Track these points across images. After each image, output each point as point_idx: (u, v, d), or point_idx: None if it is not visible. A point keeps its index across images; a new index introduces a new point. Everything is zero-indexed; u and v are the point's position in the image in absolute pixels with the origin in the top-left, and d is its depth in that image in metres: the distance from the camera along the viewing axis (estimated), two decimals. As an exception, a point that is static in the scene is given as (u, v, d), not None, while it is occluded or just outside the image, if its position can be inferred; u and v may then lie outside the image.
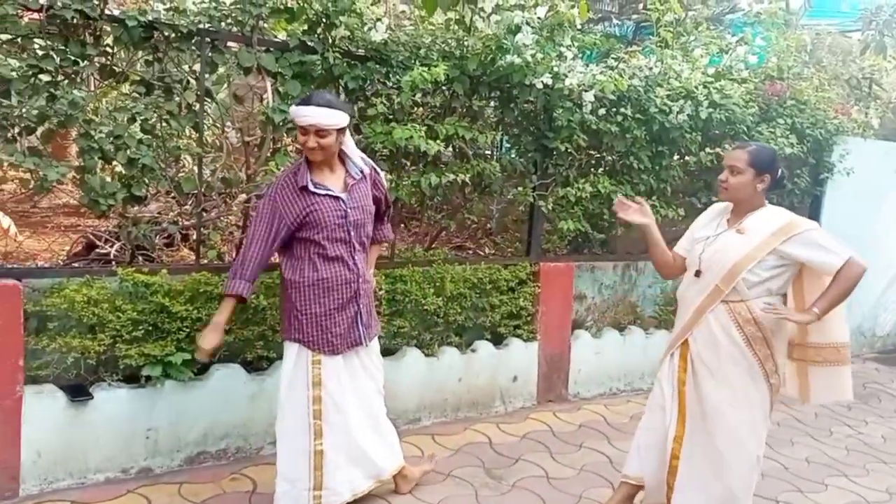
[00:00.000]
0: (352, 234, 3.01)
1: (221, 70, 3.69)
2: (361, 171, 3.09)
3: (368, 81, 3.87)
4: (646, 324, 5.64)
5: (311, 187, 2.93)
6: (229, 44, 3.63)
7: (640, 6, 7.87)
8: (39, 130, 3.28)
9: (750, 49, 5.48)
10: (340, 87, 3.88)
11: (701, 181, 5.52)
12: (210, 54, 3.57)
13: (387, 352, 4.21)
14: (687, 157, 5.22)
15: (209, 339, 2.91)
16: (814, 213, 6.34)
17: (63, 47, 3.15)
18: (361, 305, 3.08)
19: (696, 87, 4.95)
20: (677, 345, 3.12)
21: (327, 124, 2.86)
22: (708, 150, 5.14)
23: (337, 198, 2.97)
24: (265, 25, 3.71)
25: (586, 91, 4.28)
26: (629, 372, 5.41)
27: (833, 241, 2.89)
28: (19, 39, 3.14)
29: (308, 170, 2.97)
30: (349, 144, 3.08)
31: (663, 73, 4.91)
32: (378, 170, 3.23)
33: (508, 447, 4.19)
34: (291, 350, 3.04)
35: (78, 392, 3.32)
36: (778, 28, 5.96)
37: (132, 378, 3.46)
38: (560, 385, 4.99)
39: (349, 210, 2.99)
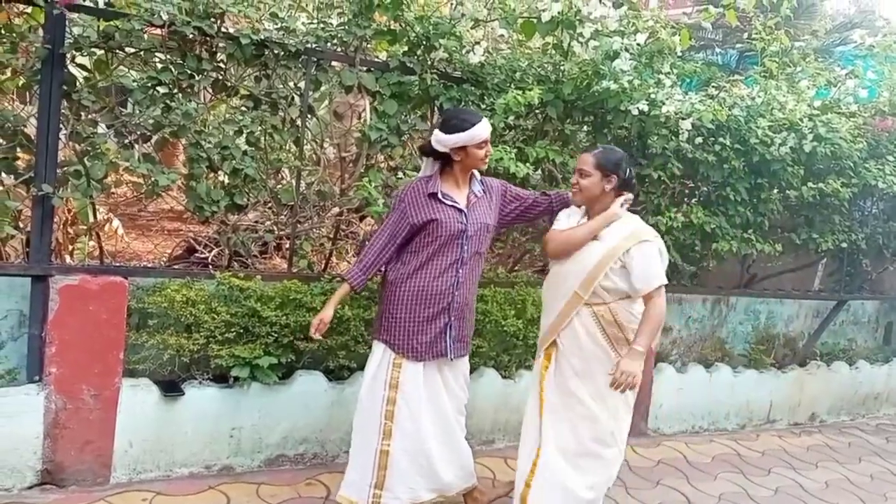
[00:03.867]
0: (465, 247, 3.09)
1: (324, 88, 3.82)
2: (483, 189, 3.21)
3: (463, 103, 3.93)
4: (734, 361, 5.45)
5: (440, 196, 3.06)
6: (333, 63, 3.77)
7: (745, 35, 7.66)
8: (154, 139, 3.49)
9: (860, 82, 5.24)
10: (436, 108, 3.96)
11: (802, 216, 5.30)
12: (315, 72, 3.71)
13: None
14: (788, 191, 5.02)
15: (323, 314, 3.09)
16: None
17: (181, 61, 3.35)
18: (453, 318, 3.12)
19: (801, 120, 4.77)
20: (544, 346, 3.19)
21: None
22: (811, 184, 4.93)
23: (460, 210, 3.08)
24: (368, 46, 3.83)
25: (683, 119, 4.20)
26: (714, 410, 5.22)
27: (662, 264, 3.04)
28: (142, 53, 3.36)
29: (439, 181, 3.11)
30: None
31: (766, 104, 4.76)
32: (506, 183, 3.39)
33: (583, 477, 4.11)
34: (378, 350, 3.15)
35: (171, 388, 3.49)
36: (892, 62, 5.68)
37: (221, 378, 3.61)
38: (639, 418, 4.86)
39: (469, 224, 3.08)
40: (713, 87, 4.77)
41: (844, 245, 5.46)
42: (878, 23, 9.07)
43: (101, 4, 3.24)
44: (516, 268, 4.88)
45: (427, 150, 3.14)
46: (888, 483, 4.72)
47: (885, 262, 6.18)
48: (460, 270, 3.09)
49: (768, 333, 5.77)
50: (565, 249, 3.09)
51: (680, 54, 4.32)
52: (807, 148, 4.72)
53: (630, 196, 3.15)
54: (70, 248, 4.22)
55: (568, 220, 3.17)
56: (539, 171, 4.38)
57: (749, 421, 5.44)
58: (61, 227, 4.13)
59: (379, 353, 3.13)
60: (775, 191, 5.03)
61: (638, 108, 4.02)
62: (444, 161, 3.12)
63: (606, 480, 3.18)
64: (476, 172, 3.21)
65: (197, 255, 4.70)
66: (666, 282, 3.01)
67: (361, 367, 3.90)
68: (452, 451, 3.27)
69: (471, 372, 4.20)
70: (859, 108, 5.37)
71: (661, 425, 4.99)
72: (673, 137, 4.39)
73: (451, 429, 3.27)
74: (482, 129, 3.03)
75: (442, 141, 3.02)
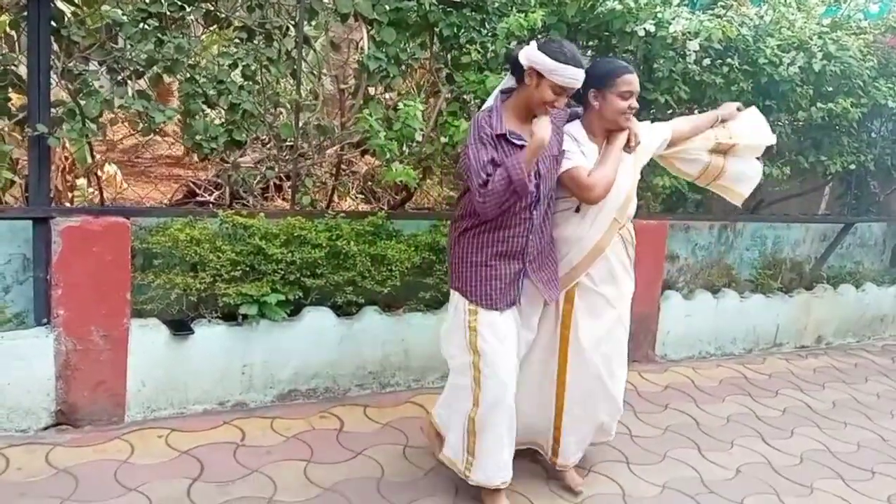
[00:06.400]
0: (540, 186, 2.75)
1: (320, 17, 3.70)
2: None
3: (463, 29, 3.81)
4: (741, 287, 5.44)
5: (508, 136, 2.70)
6: (328, -10, 3.64)
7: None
8: (146, 75, 3.40)
9: (871, -3, 5.09)
10: (435, 35, 3.84)
11: (810, 139, 5.22)
12: (309, 1, 3.59)
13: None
14: (796, 113, 4.92)
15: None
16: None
17: (170, -8, 3.24)
18: (528, 263, 2.84)
19: (810, 38, 4.64)
20: (567, 287, 3.01)
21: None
22: (820, 105, 4.83)
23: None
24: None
25: (691, 39, 4.08)
26: (721, 336, 5.25)
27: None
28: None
29: (503, 116, 2.74)
30: None
31: (775, 23, 4.62)
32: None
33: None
34: (454, 300, 2.92)
35: (180, 327, 3.49)
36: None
37: (230, 316, 3.60)
38: (647, 346, 4.89)
39: (540, 162, 2.72)
40: (721, 6, 4.62)
41: (853, 167, 5.39)
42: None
43: (83, -66, 3.11)
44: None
45: (511, 60, 2.74)
46: (894, 401, 4.77)
47: (893, 183, 6.12)
48: (535, 210, 2.77)
49: (775, 258, 5.75)
50: (609, 189, 2.82)
51: (686, -29, 4.18)
52: (816, 67, 4.61)
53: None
54: (70, 195, 4.18)
55: (583, 154, 2.86)
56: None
57: (756, 345, 5.46)
58: (60, 173, 4.09)
59: (455, 301, 2.91)
60: (784, 113, 4.93)
61: (644, 28, 3.91)
62: (518, 86, 2.76)
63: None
64: None
65: (197, 199, 4.66)
66: None
67: (369, 303, 3.93)
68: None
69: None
70: (869, 25, 5.23)
71: (669, 352, 5.02)
72: (680, 59, 4.27)
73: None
74: (577, 75, 2.63)
75: (534, 56, 2.61)
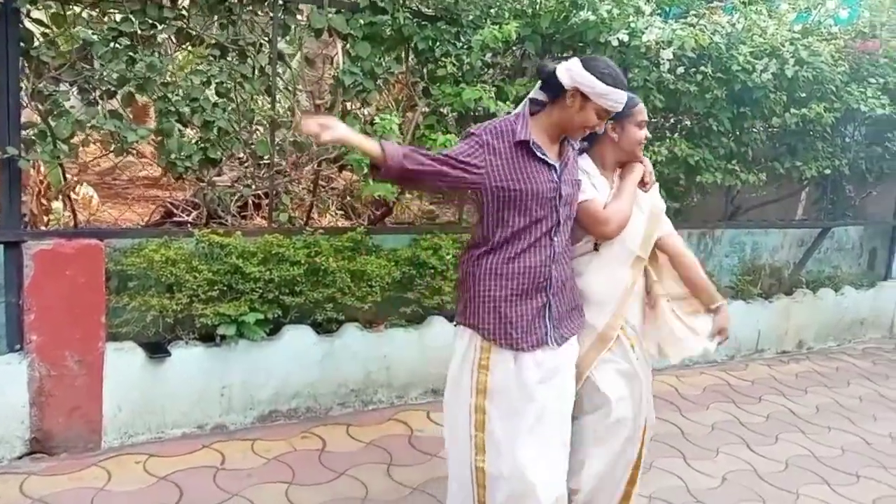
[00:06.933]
0: (560, 211, 2.44)
1: (294, 32, 3.68)
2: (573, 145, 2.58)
3: (438, 42, 3.81)
4: (722, 293, 5.42)
5: (532, 145, 2.39)
6: (301, 6, 3.62)
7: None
8: (119, 94, 3.36)
9: (840, 3, 5.15)
10: (410, 49, 3.83)
11: (784, 145, 5.27)
12: (282, 16, 3.57)
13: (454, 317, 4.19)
14: (770, 119, 4.96)
15: (334, 125, 2.20)
16: (907, 178, 6.04)
17: (141, 10, 3.20)
18: (552, 296, 2.49)
19: (782, 44, 4.69)
20: (614, 333, 2.67)
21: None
22: (793, 110, 4.88)
23: (552, 166, 2.42)
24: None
25: (664, 48, 4.11)
26: (703, 343, 5.24)
27: None
28: (100, 4, 3.20)
29: (529, 124, 2.42)
30: None
31: (747, 30, 4.67)
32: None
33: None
34: (463, 338, 2.53)
35: (156, 349, 3.43)
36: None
37: (208, 337, 3.55)
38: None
39: (562, 183, 2.43)
40: (693, 14, 4.65)
41: (828, 172, 5.46)
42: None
43: (52, -47, 3.07)
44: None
45: (546, 75, 2.41)
46: (876, 404, 4.80)
47: (867, 186, 6.19)
48: (556, 237, 2.46)
49: (754, 264, 5.78)
50: (624, 225, 2.60)
51: (658, -19, 4.21)
52: (789, 73, 4.65)
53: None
54: (45, 218, 4.12)
55: (595, 188, 2.62)
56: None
57: (738, 352, 5.48)
58: (35, 197, 4.02)
59: (465, 342, 2.51)
60: (758, 119, 4.98)
61: (618, 38, 3.93)
62: (550, 102, 2.43)
63: None
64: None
65: (175, 219, 4.60)
66: None
67: (349, 319, 3.89)
68: (555, 469, 2.56)
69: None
70: (840, 31, 5.30)
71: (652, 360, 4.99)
72: (654, 68, 4.30)
73: (560, 440, 2.57)
74: (625, 100, 2.38)
75: (580, 77, 2.32)
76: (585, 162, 2.66)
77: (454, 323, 2.60)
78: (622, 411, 2.67)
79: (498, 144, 2.36)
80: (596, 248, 2.67)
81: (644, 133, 2.65)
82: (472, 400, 2.45)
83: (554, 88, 2.39)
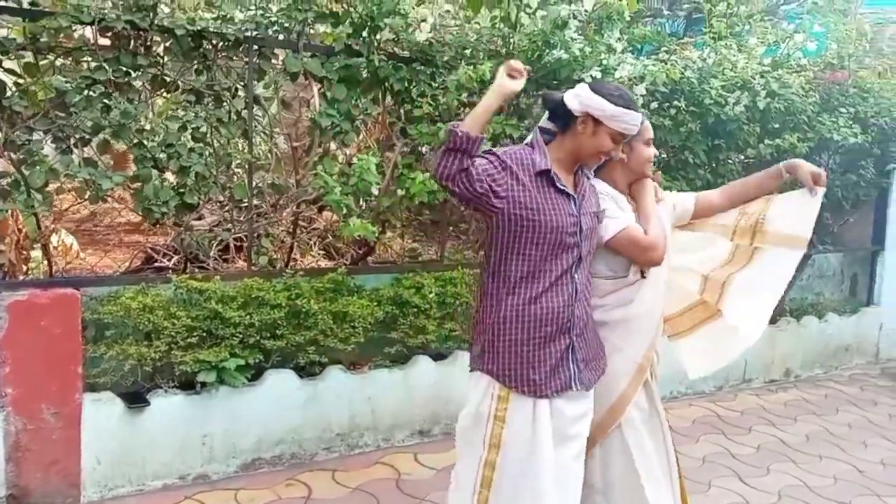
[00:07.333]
0: (582, 245, 2.35)
1: (269, 76, 3.71)
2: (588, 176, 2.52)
3: (414, 83, 3.84)
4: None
5: (553, 174, 2.31)
6: (276, 50, 3.65)
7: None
8: (93, 142, 3.35)
9: (808, 36, 5.27)
10: (386, 90, 3.87)
11: (760, 175, 5.33)
12: (258, 61, 3.60)
13: (439, 356, 4.16)
14: (745, 151, 5.03)
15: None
16: (880, 204, 6.11)
17: (115, 58, 3.21)
18: (575, 337, 2.37)
19: (753, 77, 4.78)
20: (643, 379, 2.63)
21: None
22: (767, 141, 4.94)
23: (570, 197, 2.33)
24: (311, 31, 3.72)
25: (637, 84, 4.17)
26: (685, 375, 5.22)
27: None
28: (73, 53, 3.21)
29: (546, 155, 2.34)
30: None
31: (718, 64, 4.77)
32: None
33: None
34: (479, 386, 2.38)
35: (135, 399, 3.36)
36: (836, 15, 5.73)
37: (188, 384, 3.48)
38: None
39: (582, 215, 2.34)
40: (664, 51, 4.75)
41: (805, 200, 5.51)
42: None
43: (24, 4, 3.08)
44: (482, 249, 4.81)
45: (553, 104, 2.37)
46: (866, 430, 4.78)
47: (844, 214, 6.24)
48: (577, 273, 2.36)
49: (738, 294, 5.79)
50: (666, 246, 2.52)
51: (629, 19, 4.28)
52: (761, 105, 4.74)
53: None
54: (24, 267, 4.07)
55: (623, 210, 2.53)
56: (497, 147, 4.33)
57: (726, 382, 5.46)
58: (14, 246, 3.98)
59: (480, 392, 2.36)
60: (733, 151, 5.04)
61: (591, 75, 3.98)
62: (560, 133, 2.38)
63: None
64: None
65: (156, 264, 4.56)
66: None
67: (332, 362, 3.84)
68: None
69: (445, 357, 4.17)
70: (808, 63, 5.41)
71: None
72: (628, 104, 4.35)
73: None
74: (639, 120, 2.35)
75: (589, 101, 2.27)
76: (603, 185, 2.56)
77: (469, 369, 2.46)
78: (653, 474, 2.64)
79: (520, 172, 2.26)
80: (643, 274, 2.57)
81: (652, 150, 2.61)
82: (483, 454, 2.32)
83: (563, 117, 2.34)
